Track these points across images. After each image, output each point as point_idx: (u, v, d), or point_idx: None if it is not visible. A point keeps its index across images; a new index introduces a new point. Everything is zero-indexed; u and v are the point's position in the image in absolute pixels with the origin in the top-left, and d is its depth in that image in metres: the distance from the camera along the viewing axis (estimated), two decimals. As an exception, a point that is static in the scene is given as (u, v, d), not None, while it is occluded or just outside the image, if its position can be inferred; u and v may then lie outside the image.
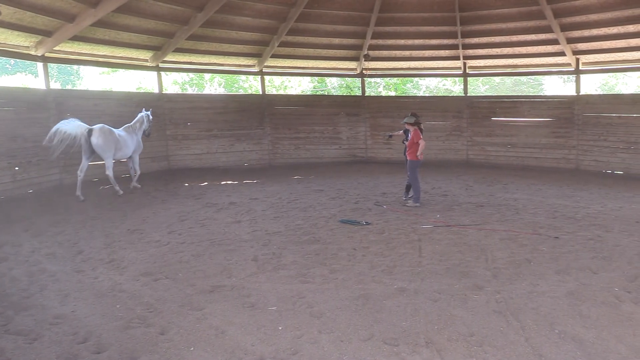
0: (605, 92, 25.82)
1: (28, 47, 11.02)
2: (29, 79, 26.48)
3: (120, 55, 13.11)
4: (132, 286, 5.33)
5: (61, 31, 10.86)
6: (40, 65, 11.57)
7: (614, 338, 4.01)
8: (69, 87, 28.37)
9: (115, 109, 13.03)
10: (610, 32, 12.85)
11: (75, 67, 28.04)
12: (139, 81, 25.43)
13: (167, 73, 21.53)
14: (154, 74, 14.58)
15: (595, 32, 13.02)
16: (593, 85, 27.31)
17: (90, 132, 10.11)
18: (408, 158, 9.58)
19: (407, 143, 9.85)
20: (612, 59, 13.74)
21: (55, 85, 26.23)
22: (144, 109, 11.82)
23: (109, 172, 10.49)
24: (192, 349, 3.96)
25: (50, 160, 10.61)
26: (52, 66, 25.36)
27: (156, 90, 14.62)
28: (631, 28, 12.38)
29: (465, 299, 4.84)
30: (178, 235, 7.47)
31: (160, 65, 14.15)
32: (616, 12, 12.18)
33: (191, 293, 5.11)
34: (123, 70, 20.79)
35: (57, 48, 11.46)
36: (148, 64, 13.93)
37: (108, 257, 6.41)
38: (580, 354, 3.78)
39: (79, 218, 8.62)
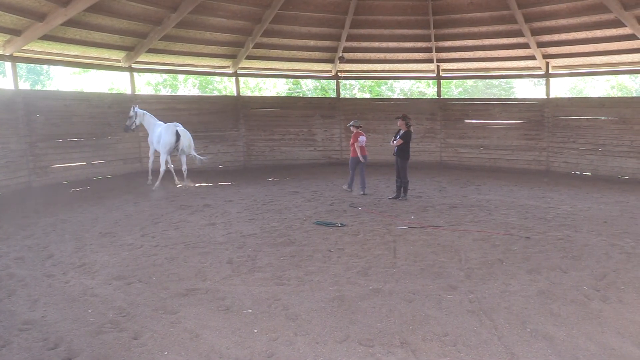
0: (574, 96, 26.44)
1: (-4, 46, 10.77)
2: (-3, 79, 25.82)
3: (91, 55, 12.87)
4: (104, 290, 5.24)
5: (30, 30, 10.62)
6: (8, 64, 11.30)
7: (584, 335, 4.10)
8: (38, 87, 27.77)
9: (87, 110, 12.82)
10: (578, 37, 13.17)
11: (45, 67, 27.45)
12: (111, 82, 25.02)
13: (140, 74, 21.26)
14: (127, 74, 14.36)
15: (564, 36, 13.34)
16: (562, 88, 27.94)
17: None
18: (352, 155, 11.13)
19: (395, 143, 10.10)
20: (581, 63, 14.08)
21: (24, 85, 25.66)
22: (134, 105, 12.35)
23: (163, 167, 11.77)
24: (166, 353, 3.91)
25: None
26: (21, 66, 24.81)
27: (129, 91, 14.40)
28: (598, 33, 12.71)
29: (439, 299, 4.89)
30: (151, 238, 7.37)
31: (133, 65, 13.95)
32: (584, 17, 12.50)
33: (165, 297, 5.05)
34: (95, 70, 20.42)
35: (26, 47, 11.20)
36: (120, 64, 13.72)
37: (79, 261, 6.29)
38: (551, 351, 3.85)
39: (48, 221, 8.44)
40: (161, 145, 11.54)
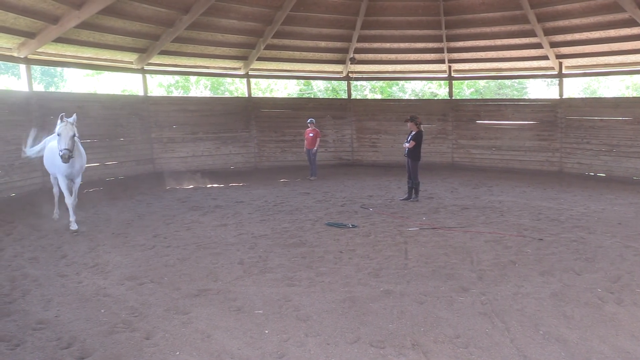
0: (587, 96, 26.17)
1: (11, 48, 10.87)
2: (12, 81, 26.14)
3: (104, 57, 12.98)
4: (116, 290, 5.28)
5: (45, 33, 10.74)
6: (23, 67, 11.43)
7: (597, 338, 4.05)
8: (52, 89, 28.06)
9: (100, 111, 12.90)
10: (592, 37, 13.03)
11: (58, 69, 27.72)
12: (124, 83, 25.23)
13: (153, 75, 21.40)
14: (139, 76, 14.48)
15: (577, 36, 13.20)
16: (576, 88, 27.64)
17: None
18: (307, 147, 13.50)
19: (408, 145, 10.02)
20: (594, 63, 13.93)
21: (38, 87, 25.94)
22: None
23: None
24: (177, 353, 3.93)
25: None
26: (35, 68, 25.07)
27: (141, 93, 14.51)
28: (612, 32, 12.56)
29: (451, 301, 4.87)
30: (163, 239, 7.41)
31: (146, 67, 14.05)
32: (598, 16, 12.36)
33: (177, 297, 5.08)
34: (108, 72, 20.61)
35: (40, 50, 11.32)
36: (133, 66, 13.82)
37: (92, 261, 6.34)
38: (564, 354, 3.82)
39: (62, 222, 8.51)
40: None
